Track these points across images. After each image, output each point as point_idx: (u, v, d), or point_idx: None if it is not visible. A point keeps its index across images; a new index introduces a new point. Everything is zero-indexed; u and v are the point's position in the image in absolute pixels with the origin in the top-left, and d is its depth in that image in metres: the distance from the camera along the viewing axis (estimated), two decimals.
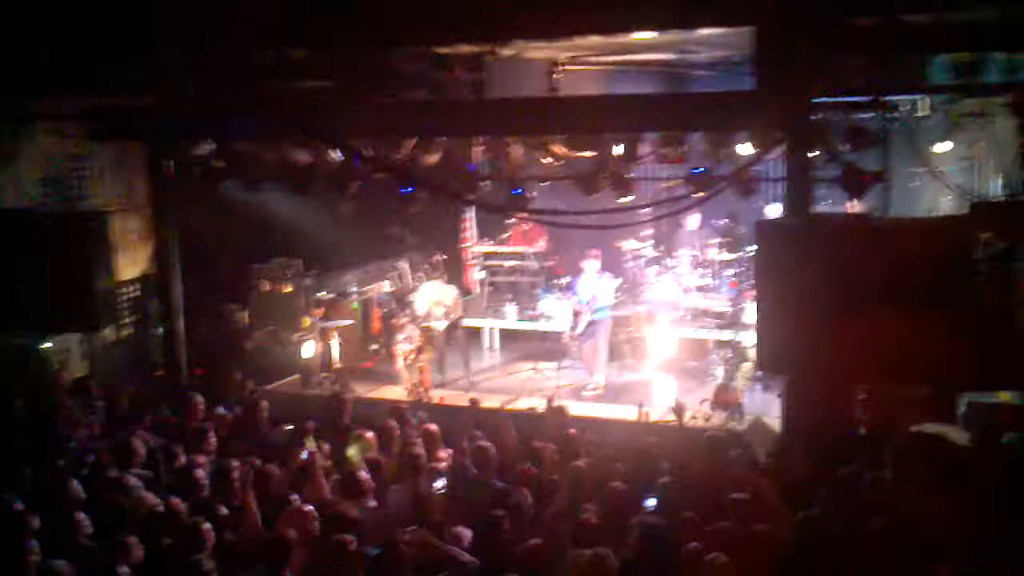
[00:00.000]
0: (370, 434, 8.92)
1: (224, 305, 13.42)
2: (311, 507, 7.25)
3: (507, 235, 15.20)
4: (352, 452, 8.66)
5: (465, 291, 15.51)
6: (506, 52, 10.59)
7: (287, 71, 10.76)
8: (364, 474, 7.98)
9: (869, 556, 6.32)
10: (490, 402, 11.37)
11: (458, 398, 12.05)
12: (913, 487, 7.18)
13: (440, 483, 8.10)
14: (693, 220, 13.92)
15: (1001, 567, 6.00)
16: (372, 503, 7.70)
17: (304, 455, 8.37)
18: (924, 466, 7.28)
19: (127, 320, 13.49)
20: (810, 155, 9.24)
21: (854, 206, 10.11)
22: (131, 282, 13.42)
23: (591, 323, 12.42)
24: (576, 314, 12.56)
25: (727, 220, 13.94)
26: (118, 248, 11.86)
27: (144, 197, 12.31)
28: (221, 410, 10.08)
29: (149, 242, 12.37)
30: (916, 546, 6.25)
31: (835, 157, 9.28)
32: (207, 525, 6.84)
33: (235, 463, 8.01)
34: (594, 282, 12.50)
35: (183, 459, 8.47)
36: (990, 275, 8.09)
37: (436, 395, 12.22)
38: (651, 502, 7.32)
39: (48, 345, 12.16)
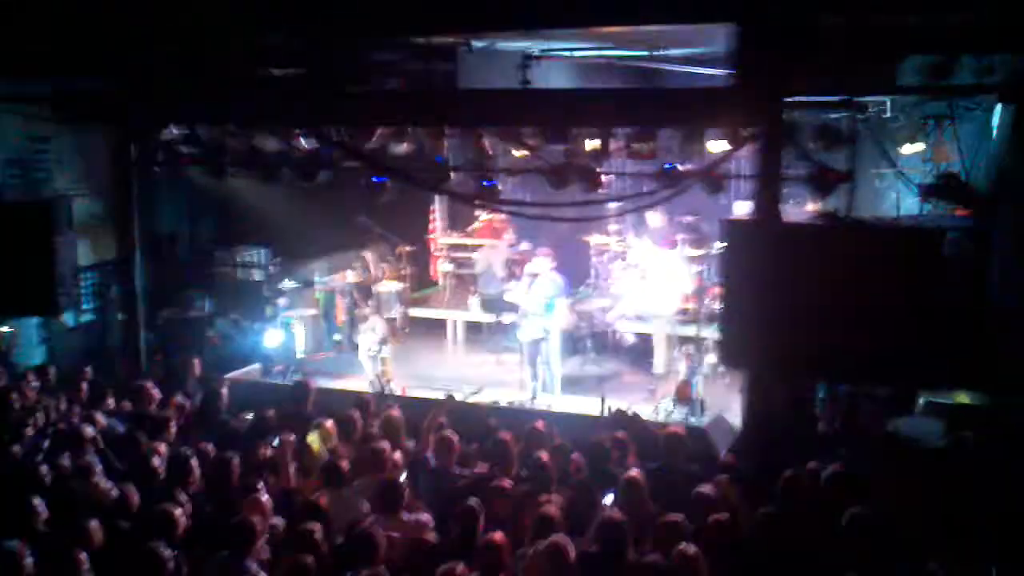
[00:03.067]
0: (330, 423, 8.86)
1: (187, 292, 13.26)
2: (268, 497, 7.20)
3: (475, 227, 15.15)
4: (313, 440, 8.60)
5: (431, 283, 15.51)
6: (480, 44, 10.56)
7: (259, 58, 10.67)
8: (329, 463, 7.94)
9: (833, 552, 6.37)
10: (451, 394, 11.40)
11: (422, 390, 12.04)
12: (881, 483, 7.25)
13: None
14: (653, 217, 13.89)
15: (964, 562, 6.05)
16: (336, 492, 7.64)
17: (274, 443, 8.31)
18: (893, 464, 7.35)
19: (88, 306, 13.34)
20: (780, 153, 9.27)
21: (817, 205, 10.16)
22: (93, 267, 13.26)
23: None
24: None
25: (693, 217, 13.96)
26: (81, 233, 11.70)
27: (108, 182, 12.12)
28: (180, 398, 9.97)
29: (112, 228, 12.18)
30: (882, 541, 6.30)
31: (805, 156, 9.31)
32: (178, 511, 6.76)
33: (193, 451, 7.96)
34: (545, 281, 12.31)
35: (141, 446, 8.35)
36: (954, 276, 8.18)
37: (400, 386, 12.17)
38: (610, 497, 7.32)
39: (3, 329, 12.02)
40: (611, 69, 11.80)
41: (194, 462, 7.79)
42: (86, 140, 12.82)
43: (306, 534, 6.49)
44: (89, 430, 8.54)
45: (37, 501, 7.03)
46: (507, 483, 7.48)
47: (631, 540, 6.57)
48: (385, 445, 8.16)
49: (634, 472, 7.52)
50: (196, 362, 11.46)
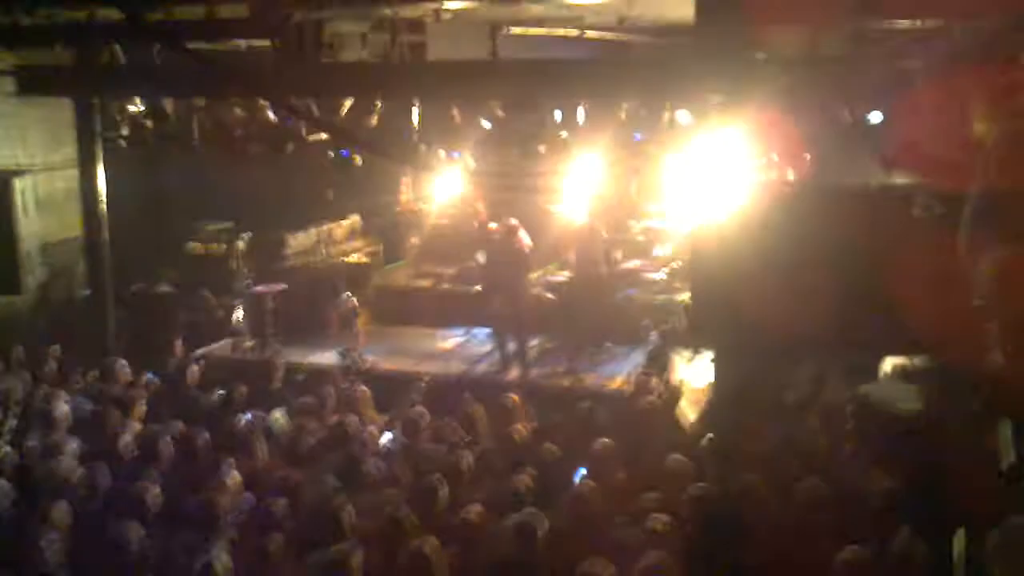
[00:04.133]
0: (306, 399, 8.83)
1: (154, 268, 13.14)
2: (236, 474, 7.17)
3: (446, 200, 15.06)
4: (279, 417, 8.55)
5: (401, 257, 15.44)
6: (447, 15, 10.46)
7: (223, 29, 10.53)
8: (296, 439, 7.93)
9: (801, 521, 6.41)
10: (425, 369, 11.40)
11: (393, 363, 12.02)
12: (853, 453, 7.29)
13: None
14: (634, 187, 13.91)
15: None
16: (304, 469, 7.61)
17: (243, 421, 8.27)
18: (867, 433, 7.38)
19: (53, 283, 13.20)
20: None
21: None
22: (58, 244, 13.11)
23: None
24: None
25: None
26: (45, 209, 11.57)
27: (72, 156, 11.96)
28: (149, 376, 9.90)
29: (77, 203, 12.02)
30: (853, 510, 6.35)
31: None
32: (150, 491, 6.71)
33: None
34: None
35: (108, 426, 8.28)
36: (928, 241, 8.19)
37: (369, 360, 12.13)
38: (583, 471, 7.33)
39: None
40: (579, 42, 11.72)
41: (163, 441, 7.75)
42: (51, 114, 12.63)
43: (273, 511, 6.46)
44: (57, 410, 8.47)
45: (2, 482, 6.98)
46: (470, 457, 7.46)
47: (603, 512, 6.60)
48: (353, 420, 8.14)
49: (604, 441, 7.53)
50: (178, 343, 11.38)
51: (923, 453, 7.20)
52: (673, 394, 9.65)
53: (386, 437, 8.46)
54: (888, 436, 7.62)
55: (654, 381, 10.13)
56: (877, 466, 7.14)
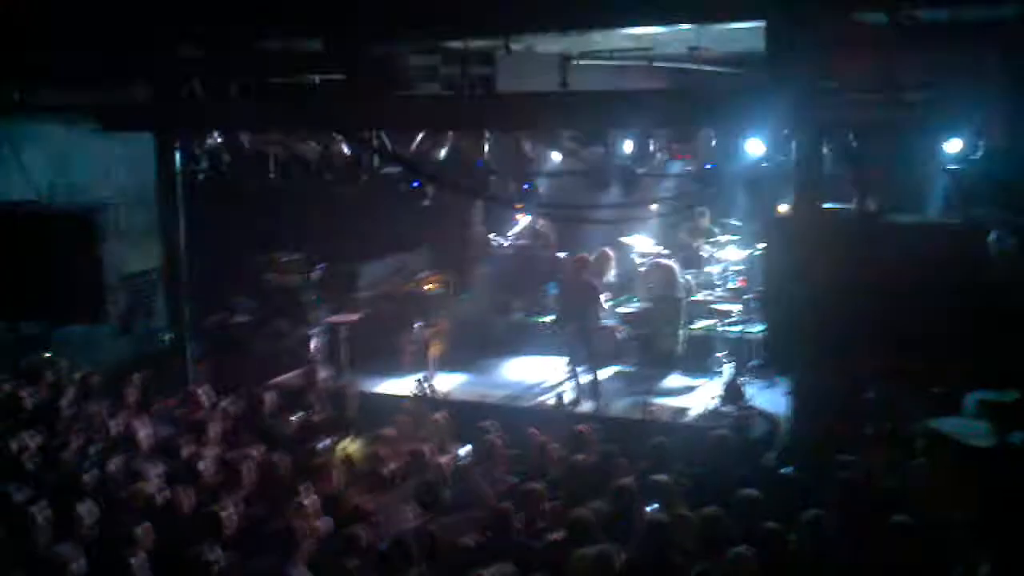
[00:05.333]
0: (391, 431, 8.91)
1: (231, 298, 13.38)
2: (316, 498, 7.25)
3: (517, 230, 15.12)
4: (354, 446, 8.64)
5: (472, 287, 15.51)
6: (517, 47, 10.57)
7: (297, 64, 10.77)
8: (373, 467, 8.01)
9: (885, 555, 6.30)
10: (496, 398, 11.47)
11: (466, 393, 12.09)
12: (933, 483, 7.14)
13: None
14: (701, 217, 13.92)
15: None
16: (380, 496, 7.68)
17: (320, 446, 8.37)
18: (942, 463, 7.24)
19: (134, 312, 13.50)
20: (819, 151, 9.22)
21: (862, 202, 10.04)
22: (138, 275, 13.42)
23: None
24: None
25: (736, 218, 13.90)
26: (126, 241, 11.85)
27: (152, 189, 12.28)
28: (226, 402, 10.07)
29: (157, 235, 12.32)
30: (935, 544, 6.23)
31: (844, 153, 9.24)
32: (224, 513, 6.82)
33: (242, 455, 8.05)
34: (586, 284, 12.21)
35: (187, 450, 8.44)
36: (1000, 275, 8.06)
37: (443, 390, 12.22)
38: (655, 506, 7.27)
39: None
40: (650, 70, 11.75)
41: (243, 466, 7.88)
42: (131, 149, 12.97)
43: (351, 537, 6.53)
44: (140, 434, 8.65)
45: (83, 507, 7.12)
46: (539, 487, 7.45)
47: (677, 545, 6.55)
48: (427, 448, 8.20)
49: (661, 477, 7.47)
50: (243, 367, 11.55)
51: (998, 485, 7.05)
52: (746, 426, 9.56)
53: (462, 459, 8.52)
54: (960, 468, 7.46)
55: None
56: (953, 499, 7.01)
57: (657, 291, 12.98)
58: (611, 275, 12.56)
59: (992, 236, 9.16)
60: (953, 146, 9.59)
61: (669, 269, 13.05)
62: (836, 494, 7.15)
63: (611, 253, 12.41)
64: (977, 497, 7.08)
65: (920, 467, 7.60)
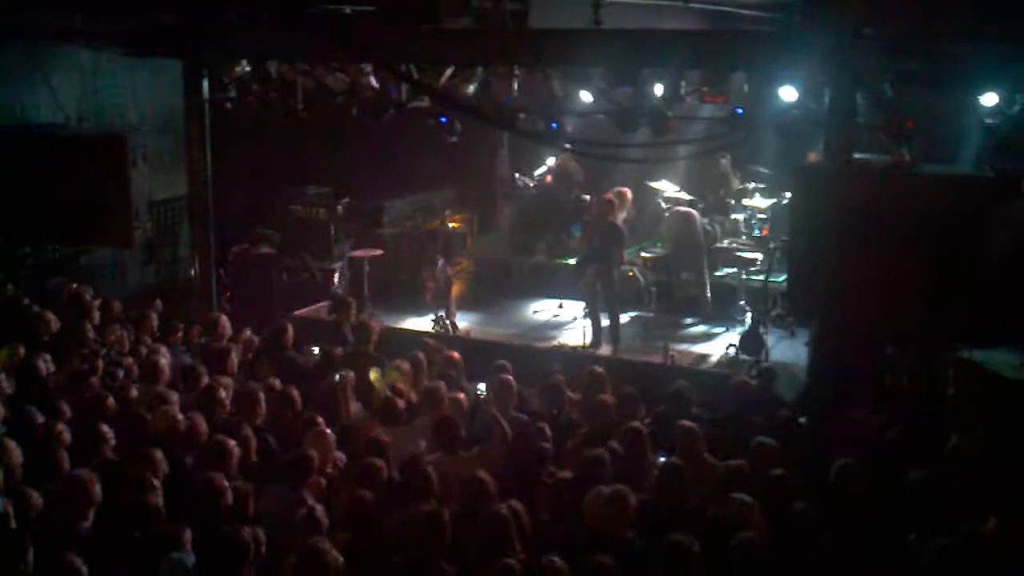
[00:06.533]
0: (406, 365, 8.94)
1: (256, 229, 13.41)
2: (330, 431, 7.30)
3: (543, 171, 15.02)
4: (375, 378, 8.67)
5: (496, 227, 15.48)
6: None
7: None
8: (387, 400, 8.05)
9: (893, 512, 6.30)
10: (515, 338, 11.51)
11: (484, 332, 12.12)
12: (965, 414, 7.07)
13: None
14: (726, 163, 13.82)
15: None
16: (394, 430, 7.72)
17: (336, 378, 8.41)
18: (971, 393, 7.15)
19: (159, 240, 13.57)
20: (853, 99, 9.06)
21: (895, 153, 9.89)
22: (164, 202, 13.46)
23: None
24: None
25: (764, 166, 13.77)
26: (153, 168, 11.84)
27: (180, 117, 12.25)
28: (248, 333, 10.13)
29: (183, 163, 12.32)
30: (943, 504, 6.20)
31: (879, 102, 9.07)
32: (231, 442, 6.88)
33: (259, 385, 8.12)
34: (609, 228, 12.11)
35: (206, 379, 8.50)
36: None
37: (463, 328, 12.25)
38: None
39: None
40: (684, 12, 11.56)
41: (260, 395, 7.93)
42: (159, 76, 12.94)
43: (365, 469, 6.57)
44: (162, 361, 8.71)
45: (106, 428, 7.21)
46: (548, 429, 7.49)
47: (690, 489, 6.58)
48: (441, 385, 8.22)
49: (687, 423, 7.47)
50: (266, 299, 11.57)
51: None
52: (767, 375, 9.52)
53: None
54: (990, 401, 7.33)
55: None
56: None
57: (677, 238, 12.88)
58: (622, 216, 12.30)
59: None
60: (989, 99, 9.40)
61: (688, 216, 12.95)
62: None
63: (628, 193, 12.21)
64: (1001, 431, 7.03)
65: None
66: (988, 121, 9.71)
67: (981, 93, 9.38)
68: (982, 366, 7.39)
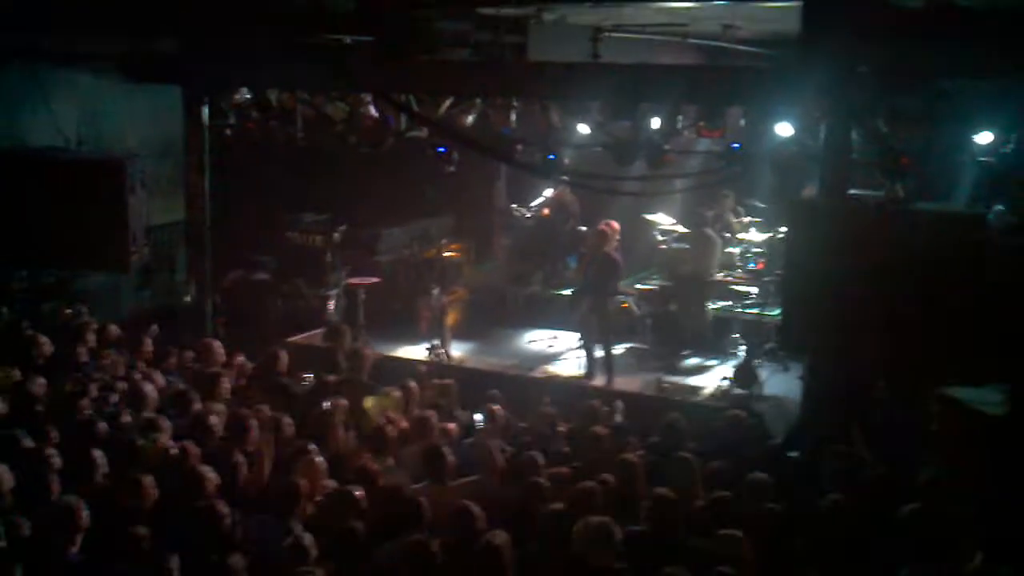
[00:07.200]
0: (397, 393, 8.93)
1: (252, 255, 13.42)
2: (322, 459, 7.28)
3: (540, 202, 15.06)
4: (370, 406, 8.66)
5: (492, 257, 15.50)
6: (550, 16, 10.49)
7: (329, 23, 10.71)
8: (376, 430, 8.03)
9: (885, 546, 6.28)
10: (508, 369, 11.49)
11: (478, 362, 12.11)
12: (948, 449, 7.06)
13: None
14: (726, 199, 13.85)
15: None
16: (390, 460, 7.70)
17: (325, 406, 8.39)
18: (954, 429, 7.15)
19: (156, 264, 13.56)
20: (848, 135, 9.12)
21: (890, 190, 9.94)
22: (162, 227, 13.47)
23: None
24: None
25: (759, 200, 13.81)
26: (151, 193, 11.88)
27: (178, 142, 12.30)
28: (241, 359, 10.11)
29: (181, 188, 12.36)
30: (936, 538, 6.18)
31: (875, 138, 9.13)
32: (209, 472, 6.84)
33: (251, 411, 8.08)
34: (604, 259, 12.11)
35: (198, 404, 8.47)
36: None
37: (457, 358, 12.25)
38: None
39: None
40: (681, 47, 11.66)
41: (252, 422, 7.91)
42: (158, 101, 12.99)
43: (351, 499, 6.55)
44: (145, 387, 8.68)
45: (98, 454, 7.17)
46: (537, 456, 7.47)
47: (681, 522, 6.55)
48: (432, 414, 8.21)
49: (684, 454, 7.45)
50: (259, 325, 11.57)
51: (1007, 454, 6.96)
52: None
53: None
54: (972, 438, 7.34)
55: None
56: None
57: (690, 268, 12.76)
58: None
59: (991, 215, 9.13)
60: (984, 137, 9.47)
61: (711, 241, 12.80)
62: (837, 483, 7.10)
63: (616, 225, 12.20)
64: (985, 466, 7.02)
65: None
66: (982, 159, 9.79)
67: (976, 131, 9.46)
68: (964, 403, 7.40)
